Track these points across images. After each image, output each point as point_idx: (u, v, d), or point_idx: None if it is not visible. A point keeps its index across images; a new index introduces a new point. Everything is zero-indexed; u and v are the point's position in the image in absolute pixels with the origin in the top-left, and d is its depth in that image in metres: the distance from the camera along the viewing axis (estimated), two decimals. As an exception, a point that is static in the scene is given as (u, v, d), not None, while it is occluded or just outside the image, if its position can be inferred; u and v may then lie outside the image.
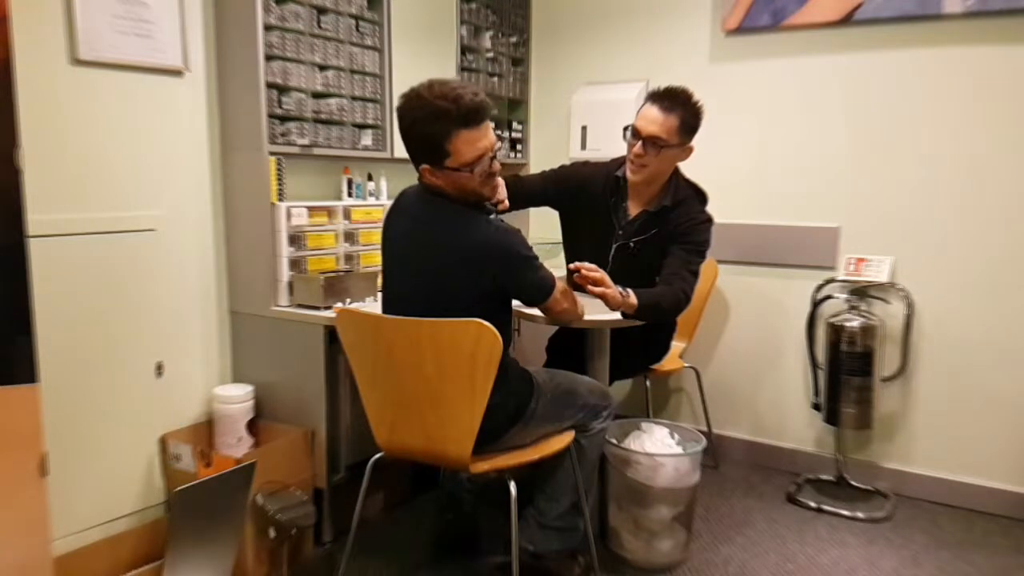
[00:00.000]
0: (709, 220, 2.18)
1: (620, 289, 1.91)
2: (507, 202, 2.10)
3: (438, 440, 1.72)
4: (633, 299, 1.92)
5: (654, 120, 2.06)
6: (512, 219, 3.09)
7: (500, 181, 1.66)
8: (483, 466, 1.71)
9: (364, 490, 1.85)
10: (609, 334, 2.17)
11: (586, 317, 2.00)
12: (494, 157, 1.66)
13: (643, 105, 2.12)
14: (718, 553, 2.20)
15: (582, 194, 2.28)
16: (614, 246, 2.23)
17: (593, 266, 1.89)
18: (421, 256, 1.72)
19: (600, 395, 1.98)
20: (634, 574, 2.10)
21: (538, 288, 1.76)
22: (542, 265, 1.76)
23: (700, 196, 2.23)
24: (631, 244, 2.20)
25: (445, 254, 1.68)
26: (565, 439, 1.86)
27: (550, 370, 2.00)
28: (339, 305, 2.10)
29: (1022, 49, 2.30)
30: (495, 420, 1.70)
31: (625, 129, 2.14)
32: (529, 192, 2.34)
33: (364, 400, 1.82)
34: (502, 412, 1.73)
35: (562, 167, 2.40)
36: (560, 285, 1.81)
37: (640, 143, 2.07)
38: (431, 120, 1.57)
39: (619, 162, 2.26)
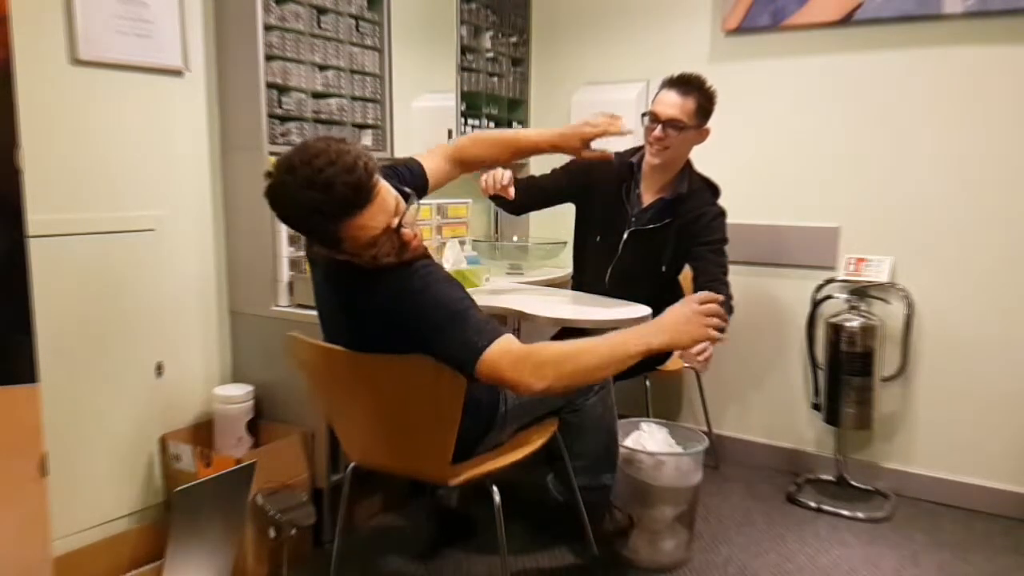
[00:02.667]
0: (723, 213, 2.26)
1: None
2: (511, 192, 2.09)
3: (411, 460, 1.69)
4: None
5: (673, 103, 2.16)
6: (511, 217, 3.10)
7: (418, 233, 1.45)
8: (462, 477, 1.66)
9: (346, 495, 1.88)
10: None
11: (586, 317, 2.00)
12: (399, 227, 1.38)
13: (659, 92, 2.22)
14: (718, 553, 2.20)
15: (595, 182, 2.35)
16: (627, 232, 2.29)
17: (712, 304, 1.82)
18: (336, 320, 1.58)
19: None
20: (635, 574, 2.09)
21: (464, 346, 1.36)
22: (478, 317, 1.42)
23: (713, 189, 2.32)
24: (646, 229, 2.26)
25: (357, 320, 1.50)
26: (546, 432, 1.84)
27: None
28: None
29: (1022, 49, 2.30)
30: (466, 436, 1.62)
31: (643, 116, 2.23)
32: (545, 190, 2.41)
33: (329, 423, 1.79)
34: (472, 428, 1.65)
35: (574, 159, 2.38)
36: (515, 349, 1.36)
37: (660, 126, 2.16)
38: (304, 216, 1.31)
39: (631, 152, 2.35)
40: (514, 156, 1.95)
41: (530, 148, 1.96)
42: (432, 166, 1.81)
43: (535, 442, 1.81)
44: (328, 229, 1.31)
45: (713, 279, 2.16)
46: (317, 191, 1.25)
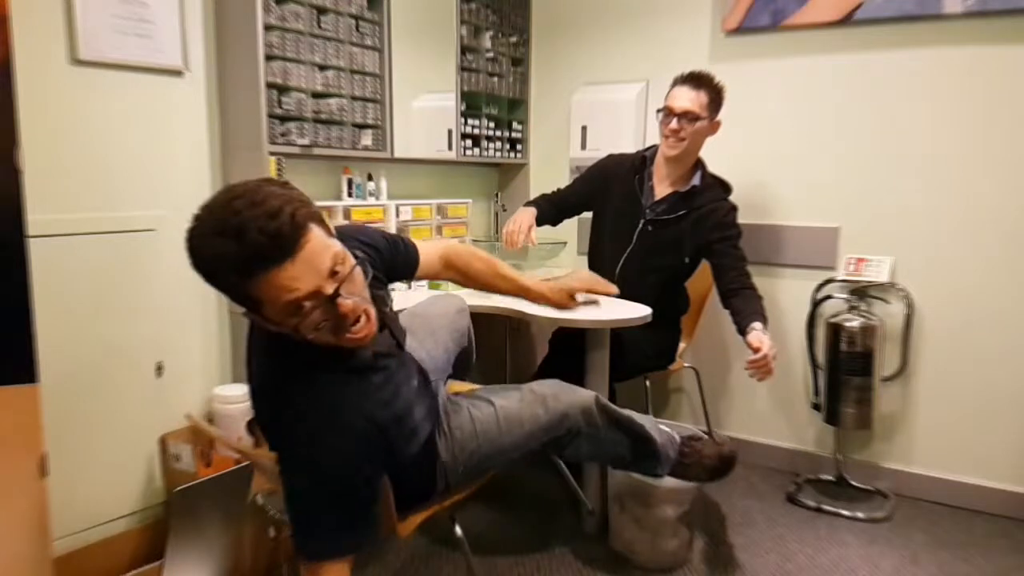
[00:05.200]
0: (736, 208, 2.37)
1: (767, 339, 2.05)
2: (535, 239, 2.40)
3: None
4: (765, 330, 2.10)
5: (687, 97, 2.27)
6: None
7: (368, 316, 1.17)
8: (413, 527, 1.49)
9: None
10: (609, 331, 2.18)
11: (585, 317, 2.00)
12: (335, 295, 1.09)
13: (671, 89, 2.33)
14: (718, 553, 2.20)
15: (609, 180, 2.48)
16: (641, 222, 2.38)
17: (759, 355, 2.01)
18: (265, 424, 1.30)
19: (556, 422, 1.54)
20: (636, 574, 2.09)
21: (295, 535, 1.19)
22: (332, 516, 1.19)
23: (724, 185, 2.42)
24: (660, 220, 2.36)
25: (287, 439, 1.21)
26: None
27: (481, 419, 1.54)
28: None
29: (1022, 49, 2.30)
30: (406, 499, 1.44)
31: (658, 111, 2.34)
32: (571, 202, 2.58)
33: None
34: (411, 495, 1.46)
35: (590, 167, 2.61)
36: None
37: (675, 119, 2.27)
38: (212, 266, 1.06)
39: (644, 150, 2.48)
40: (501, 290, 1.71)
41: (519, 291, 1.72)
42: (426, 258, 1.57)
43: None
44: (239, 284, 1.05)
45: (740, 274, 2.27)
46: (228, 237, 1.01)
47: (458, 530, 1.65)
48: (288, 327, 1.10)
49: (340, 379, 1.22)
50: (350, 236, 1.33)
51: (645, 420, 1.72)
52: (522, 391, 1.58)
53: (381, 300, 1.37)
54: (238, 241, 1.01)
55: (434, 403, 1.50)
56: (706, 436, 1.84)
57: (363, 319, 1.15)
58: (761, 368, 2.00)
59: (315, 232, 1.07)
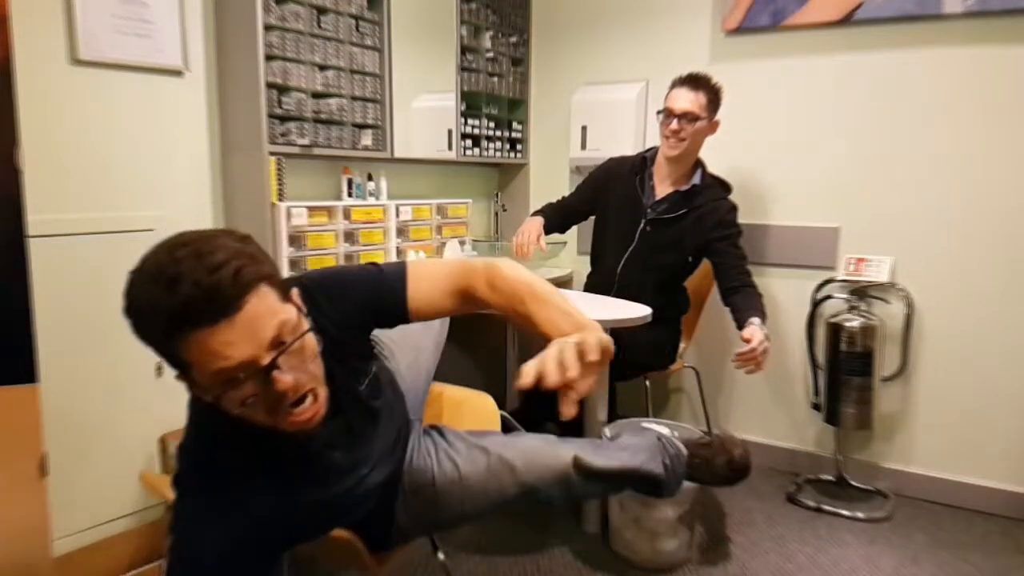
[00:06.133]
0: (736, 208, 2.39)
1: (761, 334, 2.05)
2: (544, 246, 2.43)
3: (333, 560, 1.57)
4: (763, 325, 2.11)
5: (686, 98, 2.31)
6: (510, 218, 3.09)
7: (315, 399, 1.00)
8: (390, 562, 1.44)
9: None
10: (608, 331, 2.18)
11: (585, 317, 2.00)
12: (271, 367, 0.93)
13: (670, 91, 2.36)
14: (718, 553, 2.20)
15: (611, 181, 2.52)
16: (643, 221, 2.41)
17: (748, 347, 2.02)
18: None
19: (525, 493, 1.40)
20: (636, 574, 2.09)
21: None
22: None
23: (724, 185, 2.44)
24: (661, 219, 2.39)
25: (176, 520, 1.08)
26: None
27: (443, 484, 1.41)
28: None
29: (1022, 49, 2.30)
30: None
31: (658, 113, 2.38)
32: (577, 208, 2.62)
33: None
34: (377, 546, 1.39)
35: (591, 171, 2.64)
36: None
37: (675, 120, 2.30)
38: (137, 311, 0.93)
39: (645, 151, 2.51)
40: (515, 321, 1.19)
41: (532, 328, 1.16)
42: (430, 289, 1.18)
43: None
44: (165, 341, 0.92)
45: (741, 272, 2.29)
46: (161, 285, 0.89)
47: (440, 556, 1.63)
48: (223, 401, 0.95)
49: (264, 468, 1.07)
50: (318, 289, 1.11)
51: (642, 452, 1.59)
52: (490, 456, 1.41)
53: (352, 376, 1.18)
54: (170, 291, 0.88)
55: (399, 466, 1.37)
56: (716, 438, 1.76)
57: (308, 400, 0.98)
58: (749, 361, 2.01)
59: (262, 293, 0.93)
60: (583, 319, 1.06)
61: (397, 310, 1.16)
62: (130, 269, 0.95)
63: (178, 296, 0.88)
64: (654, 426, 2.21)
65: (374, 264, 1.21)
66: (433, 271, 1.18)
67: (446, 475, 1.40)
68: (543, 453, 1.43)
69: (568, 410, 0.93)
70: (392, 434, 1.32)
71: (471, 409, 1.76)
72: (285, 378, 0.93)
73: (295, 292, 1.01)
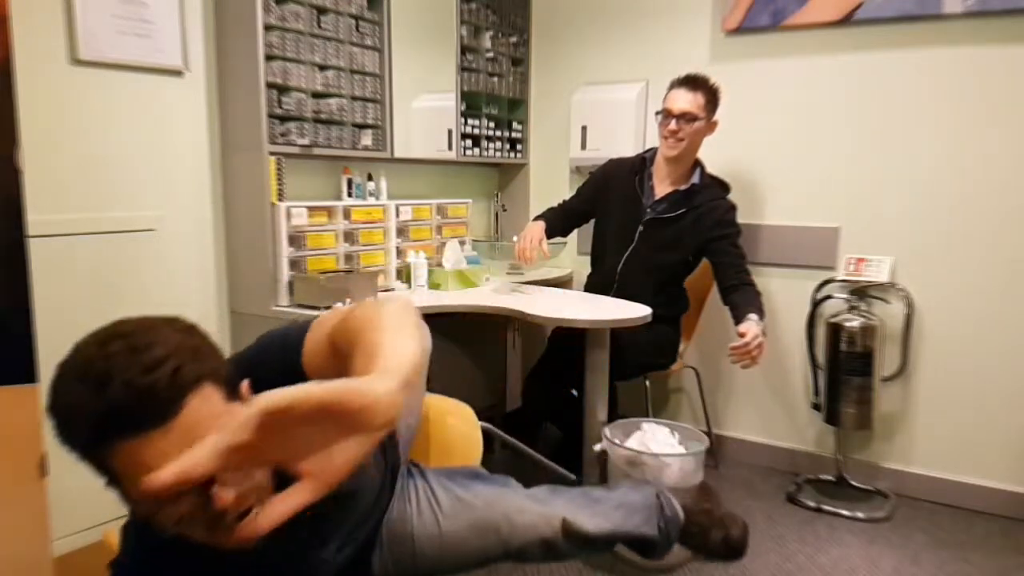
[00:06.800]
0: (735, 207, 2.42)
1: (757, 328, 2.08)
2: (547, 249, 2.43)
3: None
4: (760, 321, 2.14)
5: (684, 99, 2.33)
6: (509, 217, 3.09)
7: (269, 510, 0.68)
8: None
9: None
10: (608, 331, 2.18)
11: (584, 317, 2.00)
12: (210, 484, 0.75)
13: (668, 92, 2.38)
14: (718, 553, 2.20)
15: (610, 182, 2.54)
16: (643, 222, 2.43)
17: (742, 341, 2.04)
18: None
19: (507, 554, 1.36)
20: (636, 574, 2.09)
21: None
22: None
23: (723, 185, 2.47)
24: (661, 219, 2.41)
25: None
26: None
27: (421, 540, 1.32)
28: (339, 306, 2.07)
29: (1022, 49, 2.30)
30: None
31: (657, 114, 2.40)
32: (574, 210, 2.63)
33: None
34: None
35: (591, 173, 2.67)
36: None
37: (674, 120, 2.33)
38: (60, 411, 0.79)
39: (644, 152, 2.54)
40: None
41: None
42: (317, 346, 0.97)
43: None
44: (92, 449, 0.78)
45: (740, 271, 2.31)
46: (87, 385, 0.77)
47: None
48: (141, 515, 0.82)
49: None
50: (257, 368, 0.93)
51: (637, 512, 1.53)
52: (475, 511, 1.33)
53: None
54: (97, 393, 0.75)
55: (381, 516, 1.27)
56: (718, 510, 1.69)
57: (254, 512, 0.76)
58: (744, 355, 2.03)
59: (205, 395, 0.79)
60: (397, 365, 0.72)
61: (297, 370, 0.96)
62: (58, 361, 0.82)
63: (104, 399, 0.75)
64: (653, 425, 2.21)
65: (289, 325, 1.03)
66: (327, 321, 0.95)
67: (426, 528, 1.31)
68: (531, 515, 1.36)
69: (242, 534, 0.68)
70: (370, 499, 1.19)
71: (454, 421, 1.65)
72: (226, 495, 0.76)
73: (245, 386, 0.86)
